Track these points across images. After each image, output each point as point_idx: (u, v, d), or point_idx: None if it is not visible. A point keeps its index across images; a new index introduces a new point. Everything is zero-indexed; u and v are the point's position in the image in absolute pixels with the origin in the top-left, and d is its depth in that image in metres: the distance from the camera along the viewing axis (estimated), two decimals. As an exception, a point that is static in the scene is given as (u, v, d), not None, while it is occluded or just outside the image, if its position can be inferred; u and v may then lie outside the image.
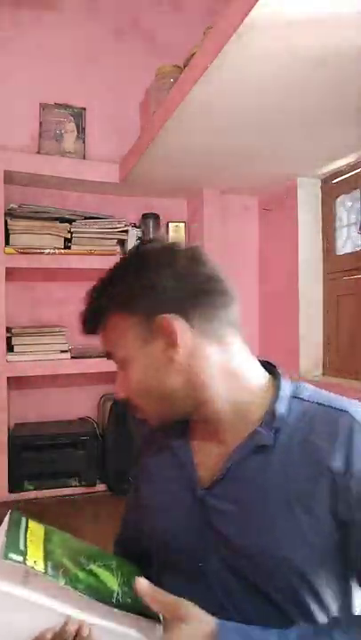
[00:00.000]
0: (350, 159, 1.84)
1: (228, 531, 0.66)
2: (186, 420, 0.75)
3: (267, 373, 0.74)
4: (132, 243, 2.13)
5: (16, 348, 1.91)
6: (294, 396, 0.69)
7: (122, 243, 2.12)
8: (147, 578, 0.64)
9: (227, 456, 0.68)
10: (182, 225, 2.26)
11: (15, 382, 1.98)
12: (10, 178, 1.93)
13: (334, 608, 0.65)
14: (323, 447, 0.63)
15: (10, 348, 1.91)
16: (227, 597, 0.67)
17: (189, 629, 0.58)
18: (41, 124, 2.11)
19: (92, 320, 0.75)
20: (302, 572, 0.62)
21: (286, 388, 0.70)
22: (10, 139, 2.04)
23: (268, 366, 0.76)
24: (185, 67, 1.41)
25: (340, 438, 0.62)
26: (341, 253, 2.04)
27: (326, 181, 2.08)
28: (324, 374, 2.09)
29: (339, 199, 2.05)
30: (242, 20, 0.98)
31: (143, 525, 0.78)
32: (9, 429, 1.93)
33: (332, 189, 2.06)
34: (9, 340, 1.91)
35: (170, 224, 2.24)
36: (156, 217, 2.19)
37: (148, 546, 0.78)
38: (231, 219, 2.35)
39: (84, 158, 2.14)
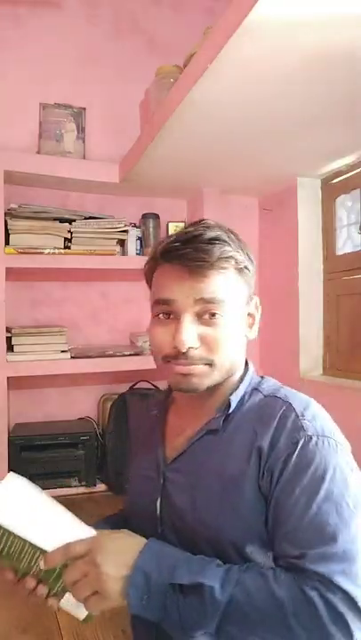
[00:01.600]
0: (350, 159, 1.85)
1: (180, 501, 0.73)
2: (165, 404, 0.84)
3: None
4: (132, 243, 2.13)
5: (16, 348, 1.91)
6: (255, 388, 0.76)
7: (122, 243, 2.12)
8: None
9: (187, 438, 0.76)
10: (182, 225, 2.26)
11: (15, 382, 1.98)
12: (10, 178, 1.93)
13: None
14: (258, 431, 0.69)
15: (10, 348, 1.91)
16: None
17: (118, 537, 0.65)
18: (41, 124, 2.11)
19: (218, 256, 0.69)
20: (236, 543, 0.67)
21: (248, 380, 0.77)
22: (10, 139, 2.04)
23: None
24: (185, 67, 1.41)
25: (273, 422, 0.68)
26: (341, 253, 2.04)
27: (326, 181, 2.08)
28: (323, 374, 2.09)
29: (339, 199, 2.05)
30: (242, 20, 0.98)
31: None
32: (9, 429, 1.93)
33: (332, 189, 2.06)
34: (9, 339, 1.91)
35: (170, 224, 2.24)
36: (156, 217, 2.19)
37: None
38: (231, 219, 2.34)
39: (84, 158, 2.14)
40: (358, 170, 1.89)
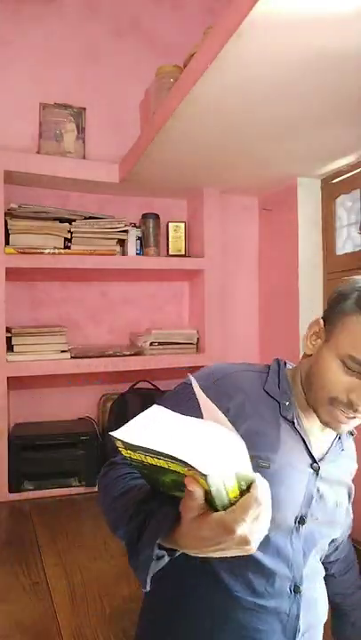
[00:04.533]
0: (350, 159, 1.85)
1: (325, 490, 0.83)
2: (294, 410, 0.85)
3: None
4: (132, 243, 2.13)
5: (16, 348, 1.91)
6: None
7: (122, 243, 2.12)
8: None
9: (327, 444, 0.85)
10: (182, 225, 2.26)
11: (15, 382, 1.98)
12: (10, 178, 1.93)
13: None
14: (349, 453, 0.91)
15: (10, 348, 1.91)
16: (305, 546, 0.81)
17: None
18: (41, 124, 2.11)
19: None
20: (343, 528, 0.88)
21: None
22: (10, 139, 2.04)
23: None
24: (185, 67, 1.41)
25: (353, 447, 0.93)
26: (341, 253, 2.04)
27: (326, 181, 2.08)
28: (324, 374, 2.08)
29: (339, 199, 2.05)
30: (242, 20, 0.98)
31: None
32: (9, 429, 1.93)
33: (332, 189, 2.06)
34: (9, 339, 1.91)
35: (170, 224, 2.24)
36: (156, 217, 2.19)
37: None
38: (231, 219, 2.35)
39: (84, 158, 2.14)
40: (358, 170, 1.89)
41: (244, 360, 0.92)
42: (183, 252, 2.24)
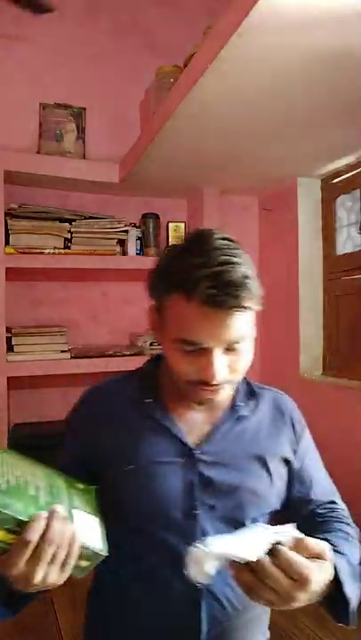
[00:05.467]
0: (350, 159, 1.85)
1: (213, 474, 0.78)
2: (155, 392, 0.84)
3: None
4: (132, 243, 2.13)
5: (16, 348, 1.91)
6: (246, 381, 0.86)
7: (122, 243, 2.12)
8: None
9: (210, 424, 0.81)
10: (182, 225, 2.26)
11: (15, 382, 1.98)
12: (10, 178, 1.93)
13: None
14: (280, 418, 0.86)
15: (10, 348, 1.91)
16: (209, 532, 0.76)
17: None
18: (41, 124, 2.11)
19: (250, 299, 0.69)
20: (271, 506, 0.81)
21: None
22: (10, 139, 2.04)
23: None
24: (185, 67, 1.41)
25: (290, 413, 0.88)
26: (341, 253, 2.04)
27: (326, 181, 2.08)
28: (323, 374, 2.09)
29: (339, 199, 2.05)
30: (242, 20, 0.98)
31: (127, 494, 0.79)
32: (9, 429, 1.93)
33: (332, 189, 2.06)
34: (9, 339, 1.91)
35: (170, 224, 2.24)
36: (156, 217, 2.19)
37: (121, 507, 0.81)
38: (231, 219, 2.35)
39: (84, 158, 2.14)
40: (358, 170, 1.89)
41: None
42: (183, 252, 2.23)
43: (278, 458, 0.82)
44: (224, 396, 0.77)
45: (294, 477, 0.84)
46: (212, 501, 0.77)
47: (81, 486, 0.74)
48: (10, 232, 1.91)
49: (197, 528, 0.75)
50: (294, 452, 0.85)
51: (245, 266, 0.70)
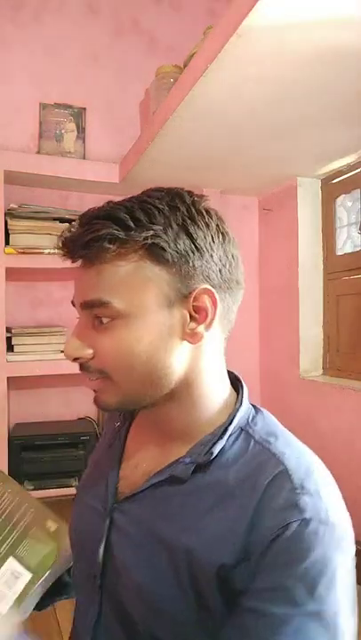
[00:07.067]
0: (350, 159, 1.85)
1: (125, 558, 0.56)
2: (132, 416, 0.69)
3: (231, 389, 0.63)
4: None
5: (16, 348, 1.91)
6: (243, 429, 0.58)
7: (122, 243, 2.11)
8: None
9: (158, 465, 0.59)
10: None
11: (15, 382, 1.98)
12: (10, 178, 1.93)
13: None
14: (239, 497, 0.52)
15: (10, 348, 1.91)
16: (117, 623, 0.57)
17: None
18: (41, 124, 2.11)
19: (92, 244, 0.53)
20: (177, 631, 0.52)
21: (239, 418, 0.59)
22: (10, 139, 2.04)
23: (234, 379, 0.65)
24: (185, 67, 1.41)
25: (260, 489, 0.51)
26: (341, 253, 2.04)
27: (326, 181, 2.08)
28: (323, 374, 2.09)
29: (339, 199, 2.05)
30: (242, 21, 0.98)
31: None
32: (9, 429, 1.93)
33: (332, 189, 2.06)
34: (9, 339, 1.91)
35: (170, 224, 2.24)
36: (156, 217, 2.19)
37: None
38: (231, 219, 2.32)
39: (84, 158, 2.14)
40: (358, 170, 1.89)
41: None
42: (183, 252, 2.24)
43: (209, 563, 0.50)
44: (106, 397, 0.59)
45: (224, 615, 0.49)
46: (122, 579, 0.56)
47: (52, 527, 0.66)
48: (10, 232, 1.90)
49: (105, 603, 0.58)
50: (240, 562, 0.48)
51: (125, 210, 0.54)
